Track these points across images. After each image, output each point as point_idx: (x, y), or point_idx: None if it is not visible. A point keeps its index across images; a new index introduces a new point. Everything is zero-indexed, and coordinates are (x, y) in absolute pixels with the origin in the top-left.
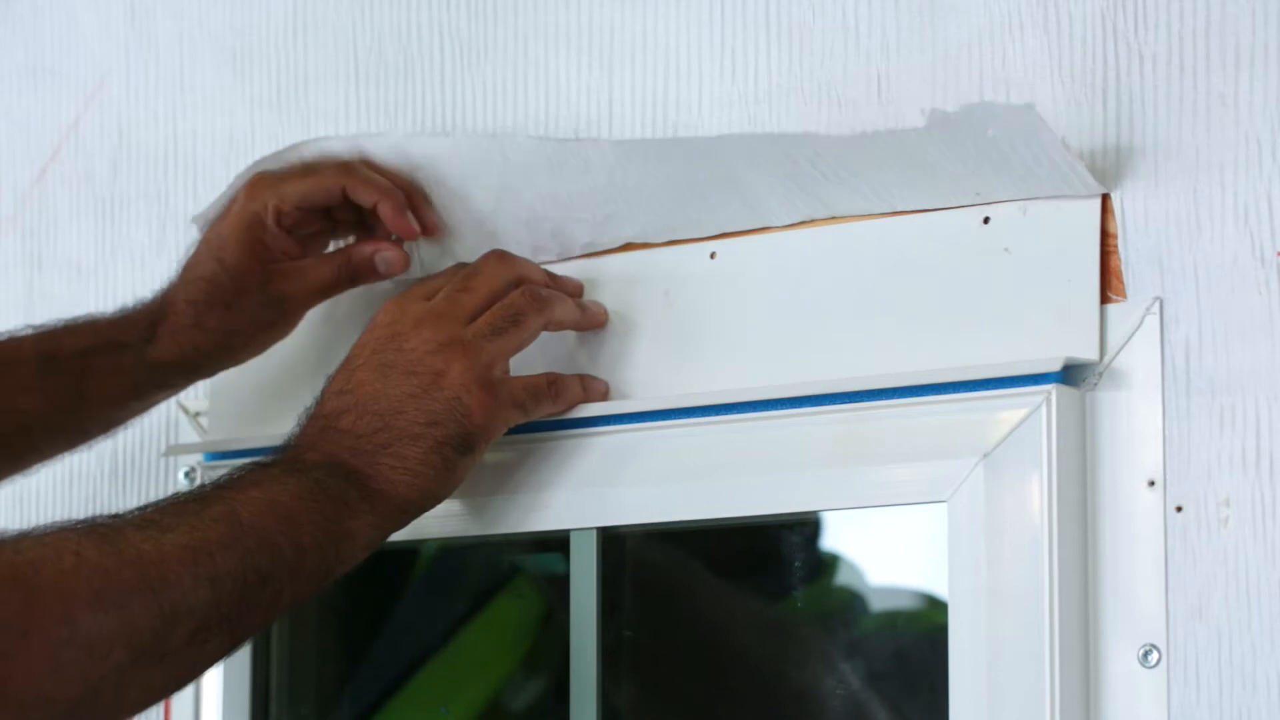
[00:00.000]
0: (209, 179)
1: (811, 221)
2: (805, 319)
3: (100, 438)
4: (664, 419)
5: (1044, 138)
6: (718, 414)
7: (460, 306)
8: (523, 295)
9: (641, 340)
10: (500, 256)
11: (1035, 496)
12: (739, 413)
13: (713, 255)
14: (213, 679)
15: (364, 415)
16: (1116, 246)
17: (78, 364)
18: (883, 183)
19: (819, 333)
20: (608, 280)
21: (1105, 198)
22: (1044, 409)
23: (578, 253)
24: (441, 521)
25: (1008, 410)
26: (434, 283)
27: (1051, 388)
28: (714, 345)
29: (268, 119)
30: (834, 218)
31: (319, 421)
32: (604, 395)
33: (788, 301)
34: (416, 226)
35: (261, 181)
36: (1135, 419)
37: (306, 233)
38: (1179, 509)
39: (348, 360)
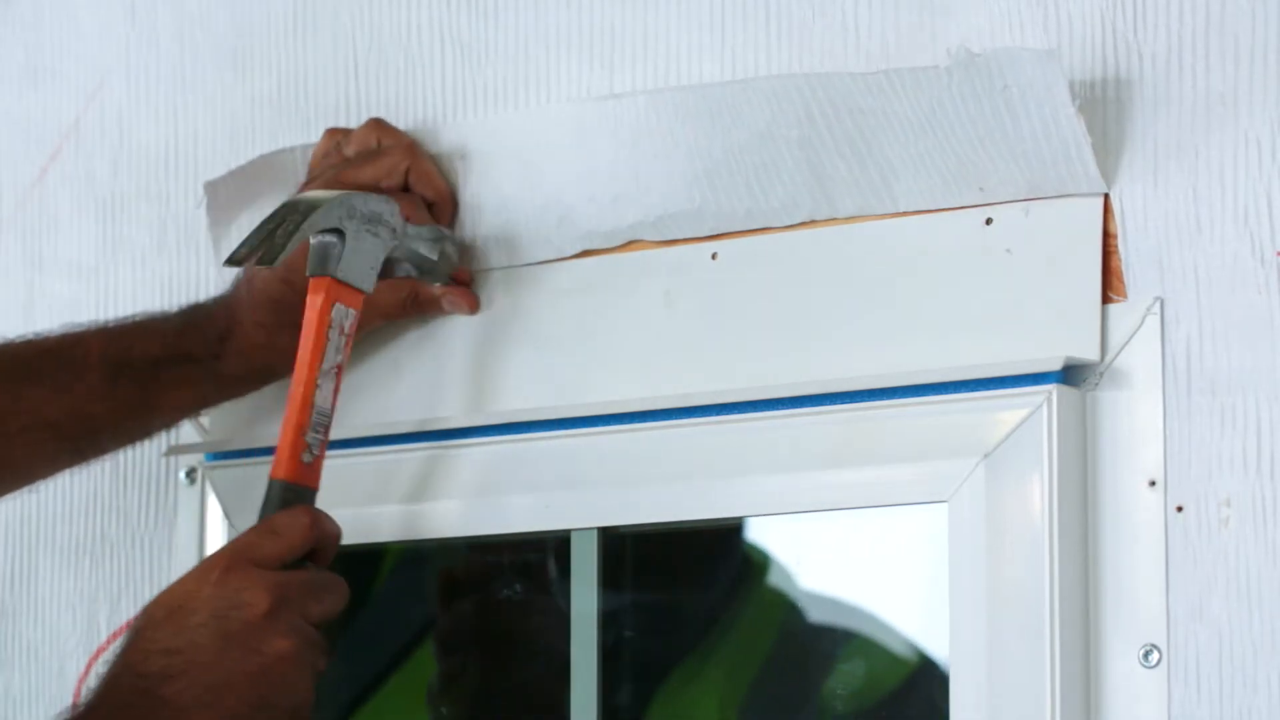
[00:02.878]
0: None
1: (812, 222)
2: (805, 319)
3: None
4: (665, 419)
5: (1058, 95)
6: (718, 414)
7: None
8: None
9: (642, 340)
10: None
11: (1036, 496)
12: (739, 413)
13: (714, 256)
14: None
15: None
16: (1117, 246)
17: (147, 375)
18: (887, 160)
19: (819, 333)
20: (608, 280)
21: (1105, 198)
22: (1045, 409)
23: (577, 248)
24: (442, 522)
25: (1008, 410)
26: None
27: (1052, 388)
28: (714, 345)
29: (268, 118)
30: (834, 219)
31: (136, 681)
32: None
33: (788, 301)
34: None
35: None
36: (1136, 419)
37: None
38: (1179, 509)
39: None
